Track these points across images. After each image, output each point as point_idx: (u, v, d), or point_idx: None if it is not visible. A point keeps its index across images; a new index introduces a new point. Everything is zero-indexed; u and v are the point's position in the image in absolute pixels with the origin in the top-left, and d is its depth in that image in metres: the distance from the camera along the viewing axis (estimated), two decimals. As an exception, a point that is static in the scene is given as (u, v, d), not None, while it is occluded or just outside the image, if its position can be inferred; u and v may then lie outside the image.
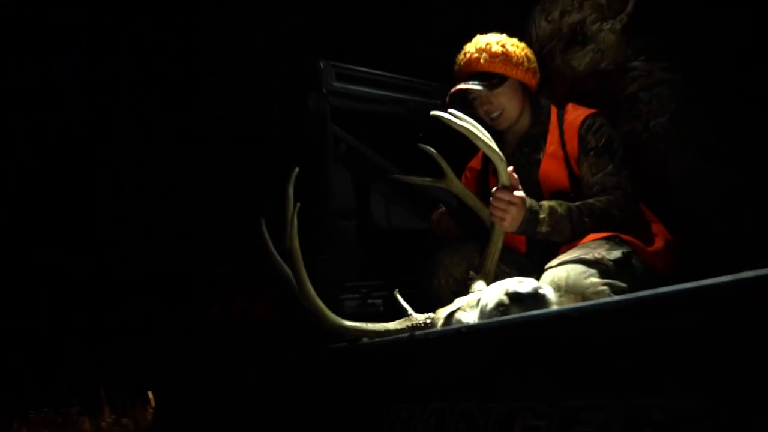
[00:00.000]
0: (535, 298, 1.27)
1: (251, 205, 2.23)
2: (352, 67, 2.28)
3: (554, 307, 1.26)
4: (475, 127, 1.76)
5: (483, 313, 1.37)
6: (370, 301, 2.00)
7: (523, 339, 1.12)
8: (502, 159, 1.75)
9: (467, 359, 1.24)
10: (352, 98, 2.23)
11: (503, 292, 1.30)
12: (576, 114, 2.05)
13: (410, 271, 2.07)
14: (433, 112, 1.75)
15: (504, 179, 1.76)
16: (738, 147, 2.07)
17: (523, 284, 1.30)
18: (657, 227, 1.96)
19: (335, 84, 2.19)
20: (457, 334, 1.35)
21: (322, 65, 2.18)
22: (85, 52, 4.19)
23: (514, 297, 1.28)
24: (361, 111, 2.25)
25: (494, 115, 2.08)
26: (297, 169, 1.67)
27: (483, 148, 1.76)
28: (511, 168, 1.77)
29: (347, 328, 1.63)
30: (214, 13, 3.78)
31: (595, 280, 1.66)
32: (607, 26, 2.32)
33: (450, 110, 1.75)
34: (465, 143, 1.77)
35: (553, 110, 2.12)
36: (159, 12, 4.05)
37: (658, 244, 1.90)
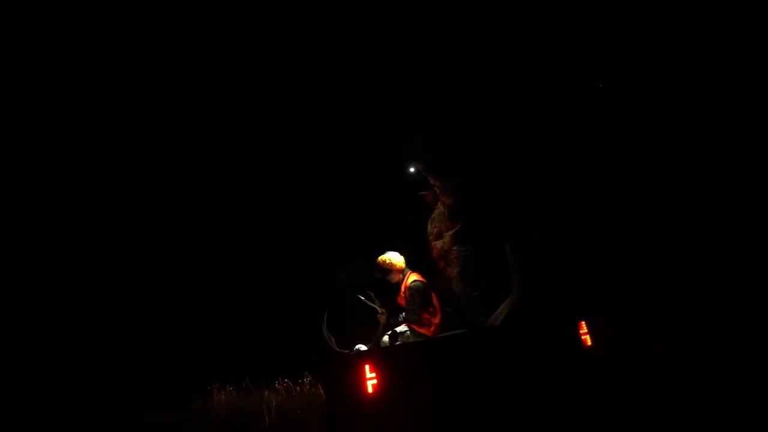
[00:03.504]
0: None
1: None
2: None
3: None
4: (372, 306, 5.94)
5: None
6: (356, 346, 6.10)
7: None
8: (379, 308, 5.88)
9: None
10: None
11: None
12: (408, 280, 5.98)
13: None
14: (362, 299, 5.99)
15: (379, 312, 5.91)
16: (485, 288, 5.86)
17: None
18: (435, 320, 5.84)
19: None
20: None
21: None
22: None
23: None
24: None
25: (387, 279, 6.11)
26: (327, 311, 5.93)
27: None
28: (380, 307, 5.88)
29: (339, 350, 5.82)
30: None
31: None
32: (448, 233, 6.12)
33: (368, 292, 5.96)
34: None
35: (407, 275, 6.03)
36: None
37: (428, 328, 5.83)
